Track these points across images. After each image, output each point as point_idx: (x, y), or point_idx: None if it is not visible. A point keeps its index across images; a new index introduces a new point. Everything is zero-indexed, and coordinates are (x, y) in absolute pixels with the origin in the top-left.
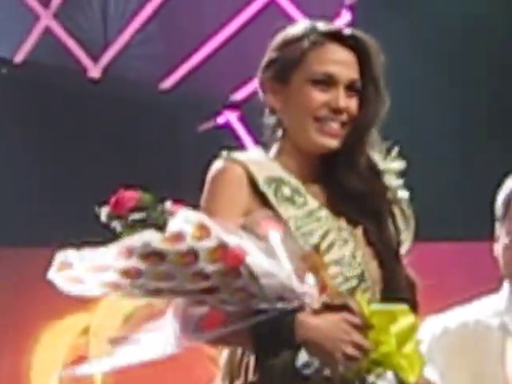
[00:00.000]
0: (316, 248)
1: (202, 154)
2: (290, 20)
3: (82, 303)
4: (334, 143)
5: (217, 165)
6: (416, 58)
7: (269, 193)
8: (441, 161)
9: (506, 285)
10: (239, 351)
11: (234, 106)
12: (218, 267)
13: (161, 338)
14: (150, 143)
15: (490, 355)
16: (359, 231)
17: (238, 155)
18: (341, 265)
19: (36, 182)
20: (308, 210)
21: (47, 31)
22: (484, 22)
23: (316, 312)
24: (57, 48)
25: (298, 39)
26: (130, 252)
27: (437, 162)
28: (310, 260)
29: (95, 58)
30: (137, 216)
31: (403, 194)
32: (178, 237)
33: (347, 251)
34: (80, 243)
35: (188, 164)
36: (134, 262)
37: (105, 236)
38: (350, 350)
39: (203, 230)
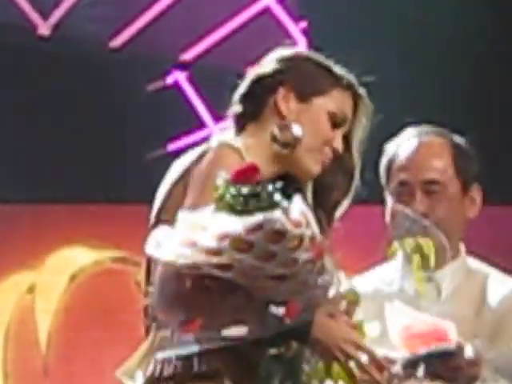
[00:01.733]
0: None
1: (150, 114)
2: None
3: (28, 261)
4: (318, 171)
5: (215, 151)
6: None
7: None
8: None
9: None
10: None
11: (183, 66)
12: (307, 257)
13: None
14: (98, 101)
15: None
16: None
17: (232, 141)
18: None
19: None
20: None
21: None
22: None
23: (331, 315)
24: (6, 4)
25: (326, 68)
26: (259, 227)
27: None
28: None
29: (45, 16)
30: (246, 190)
31: None
32: (297, 221)
33: None
34: None
35: (136, 123)
36: (255, 237)
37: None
38: (350, 349)
39: (305, 219)
